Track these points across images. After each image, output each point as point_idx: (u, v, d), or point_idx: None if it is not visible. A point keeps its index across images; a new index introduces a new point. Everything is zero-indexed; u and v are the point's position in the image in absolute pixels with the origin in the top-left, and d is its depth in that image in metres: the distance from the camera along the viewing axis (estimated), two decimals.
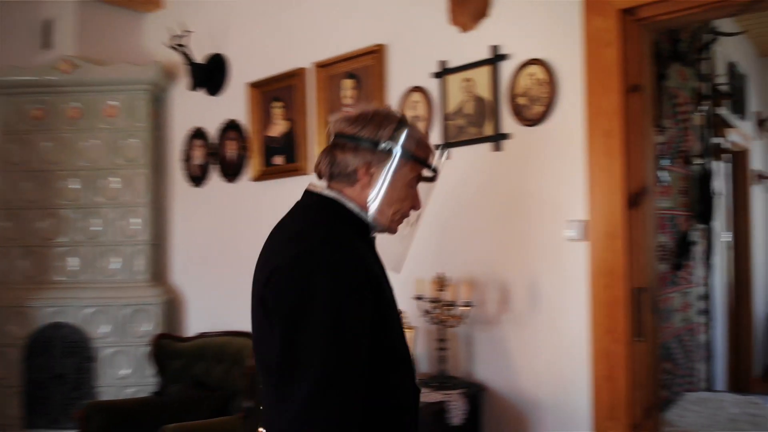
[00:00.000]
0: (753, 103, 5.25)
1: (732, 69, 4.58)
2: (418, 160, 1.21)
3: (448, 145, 2.57)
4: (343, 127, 1.19)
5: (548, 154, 2.29)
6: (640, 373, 2.09)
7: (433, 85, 2.64)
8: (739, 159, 4.82)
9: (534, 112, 2.31)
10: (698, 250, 3.62)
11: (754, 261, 5.01)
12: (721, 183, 4.11)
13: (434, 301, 2.42)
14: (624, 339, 2.05)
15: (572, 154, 2.21)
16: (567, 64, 2.24)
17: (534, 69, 2.31)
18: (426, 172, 1.25)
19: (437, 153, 1.29)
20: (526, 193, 2.36)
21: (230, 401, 3.02)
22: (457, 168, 2.54)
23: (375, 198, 1.17)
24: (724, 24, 3.99)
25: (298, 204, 1.24)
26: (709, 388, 3.81)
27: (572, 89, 2.22)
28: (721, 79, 4.15)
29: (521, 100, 2.35)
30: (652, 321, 2.14)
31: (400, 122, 1.20)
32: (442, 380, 2.37)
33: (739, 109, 4.74)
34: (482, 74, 2.47)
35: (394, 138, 1.17)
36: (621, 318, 2.06)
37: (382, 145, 1.16)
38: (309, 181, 1.25)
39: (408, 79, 2.72)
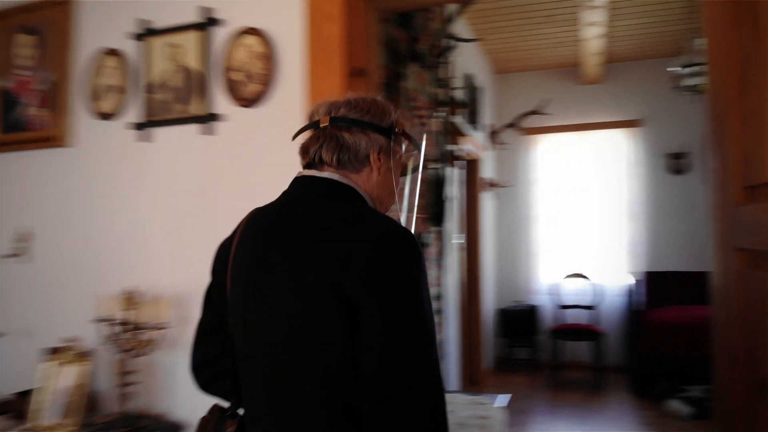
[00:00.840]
0: (486, 116, 5.68)
1: (469, 81, 4.84)
2: (420, 150, 1.22)
3: (150, 123, 2.07)
4: (344, 112, 1.09)
5: (268, 142, 1.95)
6: None
7: (131, 49, 2.12)
8: (471, 167, 5.13)
9: (250, 90, 1.95)
10: (432, 251, 3.66)
11: (483, 261, 5.41)
12: (454, 188, 4.26)
13: (123, 323, 1.91)
14: None
15: (294, 143, 1.90)
16: (288, 37, 1.92)
17: (251, 40, 1.95)
18: (413, 162, 1.25)
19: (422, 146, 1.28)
20: (242, 188, 1.98)
21: None
22: (161, 153, 2.07)
23: (385, 186, 1.12)
24: (464, 33, 4.15)
25: (308, 191, 1.08)
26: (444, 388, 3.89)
27: (293, 67, 1.91)
28: (458, 89, 4.32)
29: (236, 76, 1.97)
30: None
31: (395, 113, 1.15)
32: (128, 422, 1.86)
33: (474, 119, 5.04)
34: (191, 40, 2.03)
35: (397, 125, 1.12)
36: None
37: (394, 130, 1.11)
38: None
39: (101, 39, 2.16)
